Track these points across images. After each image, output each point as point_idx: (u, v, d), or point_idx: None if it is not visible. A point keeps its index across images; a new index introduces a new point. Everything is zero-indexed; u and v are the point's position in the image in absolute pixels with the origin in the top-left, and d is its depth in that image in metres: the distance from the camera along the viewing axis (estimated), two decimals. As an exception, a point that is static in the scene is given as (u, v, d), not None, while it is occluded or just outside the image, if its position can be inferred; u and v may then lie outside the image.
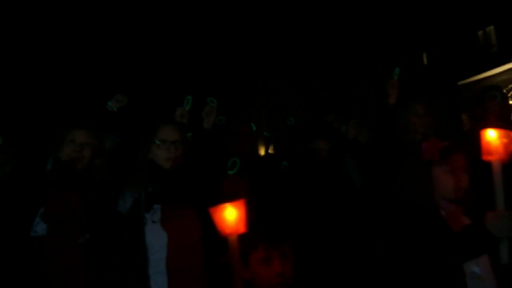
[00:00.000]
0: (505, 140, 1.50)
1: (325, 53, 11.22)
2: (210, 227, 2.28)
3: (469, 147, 1.99)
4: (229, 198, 1.56)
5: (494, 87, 3.16)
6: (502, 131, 1.52)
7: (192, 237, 2.31)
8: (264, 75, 11.58)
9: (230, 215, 1.50)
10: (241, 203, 1.55)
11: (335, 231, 2.63)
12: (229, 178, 2.45)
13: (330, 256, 2.53)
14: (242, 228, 1.53)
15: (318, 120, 3.76)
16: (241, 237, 1.64)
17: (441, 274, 1.81)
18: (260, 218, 1.71)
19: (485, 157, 1.56)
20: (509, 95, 12.06)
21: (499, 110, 2.97)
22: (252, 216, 2.36)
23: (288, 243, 1.62)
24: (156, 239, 2.27)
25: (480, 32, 12.71)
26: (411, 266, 1.88)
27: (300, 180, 3.05)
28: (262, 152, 4.51)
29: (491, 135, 1.52)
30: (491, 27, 12.34)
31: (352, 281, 2.43)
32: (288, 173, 3.25)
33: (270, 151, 4.33)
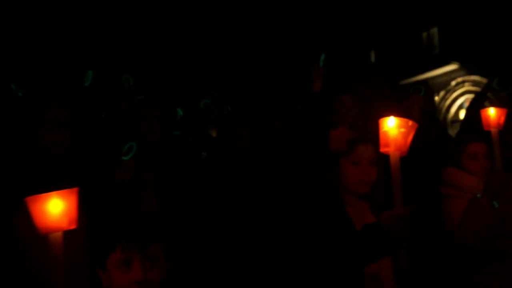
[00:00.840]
0: (403, 130, 1.33)
1: (275, 48, 11.20)
2: (98, 221, 2.03)
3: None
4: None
5: (420, 81, 3.11)
6: (401, 120, 1.35)
7: (75, 235, 2.00)
8: (214, 68, 11.53)
9: (54, 208, 1.24)
10: (70, 193, 1.29)
11: (239, 228, 2.44)
12: (123, 165, 2.16)
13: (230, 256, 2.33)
14: (68, 224, 1.26)
15: (244, 108, 3.55)
16: (100, 236, 1.38)
17: (339, 276, 1.65)
18: (126, 213, 1.46)
19: (382, 149, 1.38)
20: (446, 96, 12.58)
21: (423, 103, 2.93)
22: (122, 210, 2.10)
23: (158, 244, 1.34)
24: (31, 233, 1.94)
25: (424, 34, 13.12)
26: (310, 266, 1.71)
27: (216, 168, 2.86)
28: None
29: (389, 124, 1.34)
30: (435, 29, 12.75)
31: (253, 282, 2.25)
32: (206, 163, 3.05)
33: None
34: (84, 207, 2.05)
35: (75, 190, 1.31)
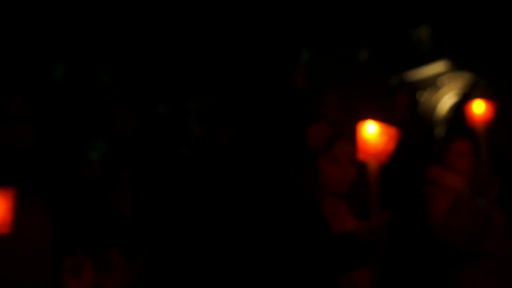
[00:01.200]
0: (384, 138, 1.22)
1: (262, 45, 11.15)
2: (62, 223, 1.91)
3: None
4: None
5: (404, 81, 3.11)
6: (382, 126, 1.24)
7: (37, 237, 1.87)
8: (205, 65, 11.53)
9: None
10: (3, 193, 1.17)
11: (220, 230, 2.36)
12: (91, 162, 2.04)
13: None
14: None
15: (229, 106, 3.48)
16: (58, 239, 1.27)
17: (313, 282, 1.56)
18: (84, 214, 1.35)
19: (361, 157, 1.28)
20: (435, 94, 12.58)
21: (408, 103, 2.92)
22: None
23: (115, 248, 1.23)
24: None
25: (413, 31, 13.04)
26: (282, 271, 1.62)
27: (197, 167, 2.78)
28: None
29: (370, 130, 1.23)
30: (425, 26, 12.68)
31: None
32: (187, 161, 2.96)
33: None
34: (47, 208, 1.94)
35: (9, 190, 1.19)
